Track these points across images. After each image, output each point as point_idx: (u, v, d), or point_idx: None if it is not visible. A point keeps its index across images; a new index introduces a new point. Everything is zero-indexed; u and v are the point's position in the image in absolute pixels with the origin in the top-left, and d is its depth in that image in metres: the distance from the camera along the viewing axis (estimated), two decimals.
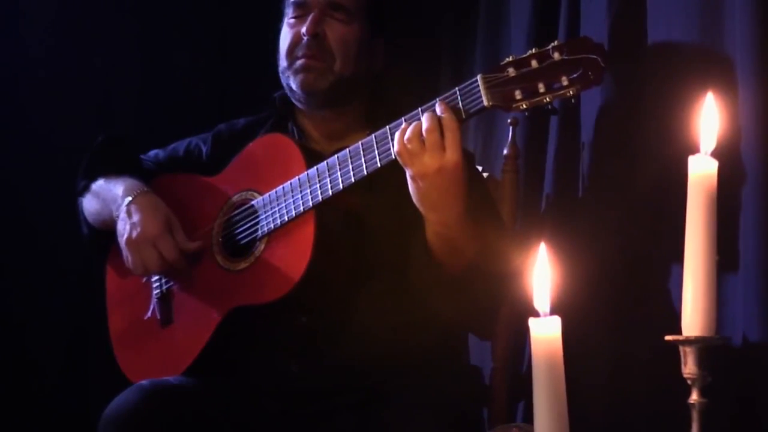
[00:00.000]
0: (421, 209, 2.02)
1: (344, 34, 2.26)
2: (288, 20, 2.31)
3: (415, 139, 1.95)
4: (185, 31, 3.21)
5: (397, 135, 1.98)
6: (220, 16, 3.25)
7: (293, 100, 2.33)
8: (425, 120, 1.96)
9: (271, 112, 2.40)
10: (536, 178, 2.52)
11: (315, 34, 2.24)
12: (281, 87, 2.34)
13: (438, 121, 1.95)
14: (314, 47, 2.25)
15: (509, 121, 2.45)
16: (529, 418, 2.22)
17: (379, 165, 2.05)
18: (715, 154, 1.63)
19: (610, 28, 2.24)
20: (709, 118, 1.65)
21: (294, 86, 2.28)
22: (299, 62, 2.26)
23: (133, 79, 3.16)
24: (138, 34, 3.17)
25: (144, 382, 2.14)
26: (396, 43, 2.41)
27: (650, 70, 2.16)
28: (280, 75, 2.31)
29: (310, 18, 2.25)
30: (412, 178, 1.99)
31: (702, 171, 1.61)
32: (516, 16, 2.66)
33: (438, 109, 1.97)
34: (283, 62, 2.30)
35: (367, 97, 2.34)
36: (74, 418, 2.89)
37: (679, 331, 1.61)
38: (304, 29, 2.25)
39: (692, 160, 1.62)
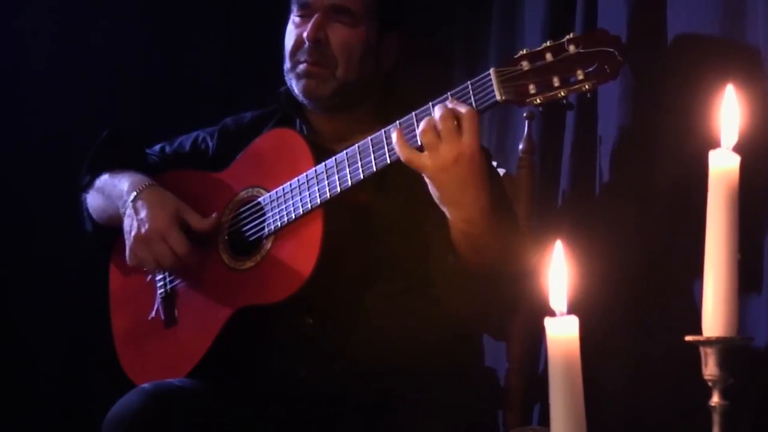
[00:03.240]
0: (443, 208, 1.96)
1: (348, 38, 2.20)
2: (293, 18, 2.26)
3: (430, 132, 1.90)
4: (192, 23, 3.20)
5: (397, 141, 1.93)
6: (226, 7, 3.23)
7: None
8: (437, 109, 1.91)
9: (278, 106, 2.37)
10: (552, 174, 2.49)
11: (317, 40, 2.19)
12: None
13: (452, 110, 1.90)
14: (315, 54, 2.19)
15: (525, 115, 2.42)
16: (545, 420, 2.18)
17: (388, 161, 2.01)
18: (737, 148, 1.59)
19: (628, 19, 2.21)
20: (730, 112, 1.60)
21: (296, 90, 2.24)
22: (301, 67, 2.22)
23: (139, 71, 3.15)
24: (144, 26, 3.15)
25: (146, 384, 2.10)
26: (408, 38, 2.36)
27: (670, 61, 2.13)
28: (285, 75, 2.27)
29: (311, 22, 2.19)
30: (430, 177, 1.93)
31: (723, 166, 1.57)
32: (531, 6, 2.62)
33: (449, 105, 1.92)
34: (286, 63, 2.26)
35: (377, 95, 2.29)
36: (76, 420, 2.87)
37: (699, 332, 1.57)
38: (305, 34, 2.20)
39: (713, 155, 1.58)
